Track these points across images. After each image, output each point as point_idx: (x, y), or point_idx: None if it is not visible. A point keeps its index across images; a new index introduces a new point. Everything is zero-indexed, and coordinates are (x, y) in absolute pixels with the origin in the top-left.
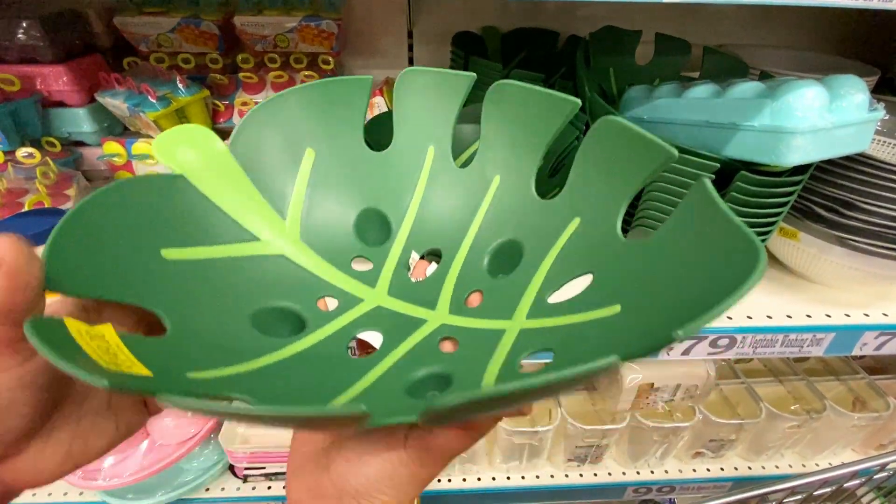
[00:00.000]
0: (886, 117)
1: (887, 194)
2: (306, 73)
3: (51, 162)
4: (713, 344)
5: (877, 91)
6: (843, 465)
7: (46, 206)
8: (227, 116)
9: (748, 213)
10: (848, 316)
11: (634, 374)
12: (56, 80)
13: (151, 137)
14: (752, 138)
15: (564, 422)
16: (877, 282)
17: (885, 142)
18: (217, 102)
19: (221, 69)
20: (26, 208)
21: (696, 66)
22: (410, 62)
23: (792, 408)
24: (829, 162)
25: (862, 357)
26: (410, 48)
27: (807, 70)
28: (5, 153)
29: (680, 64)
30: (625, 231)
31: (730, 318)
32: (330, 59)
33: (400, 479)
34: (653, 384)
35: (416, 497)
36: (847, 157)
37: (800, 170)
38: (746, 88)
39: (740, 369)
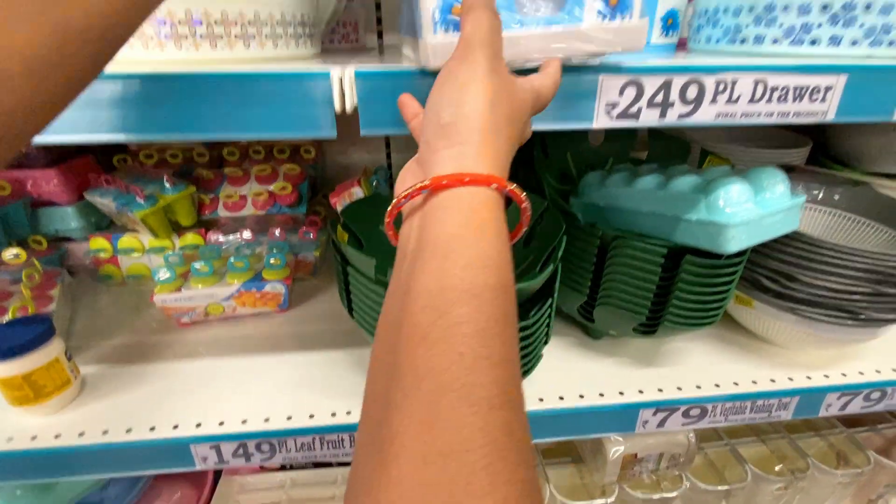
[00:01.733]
0: (820, 191)
1: (822, 266)
2: (288, 165)
3: (36, 262)
4: (686, 414)
5: (812, 159)
6: None
7: (30, 311)
8: (213, 209)
9: (699, 292)
10: (809, 378)
11: (617, 447)
12: (47, 182)
13: (137, 232)
14: (693, 228)
15: (554, 499)
16: (831, 345)
17: (821, 210)
18: (203, 196)
19: (208, 162)
20: (10, 315)
21: (643, 143)
22: (387, 146)
23: (777, 468)
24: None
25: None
26: (387, 137)
27: (745, 139)
28: None
29: (630, 145)
30: (591, 308)
31: (699, 387)
32: (311, 148)
33: (458, 84)
34: (636, 455)
35: (503, 128)
36: (784, 235)
37: (740, 251)
38: (684, 182)
39: (723, 430)
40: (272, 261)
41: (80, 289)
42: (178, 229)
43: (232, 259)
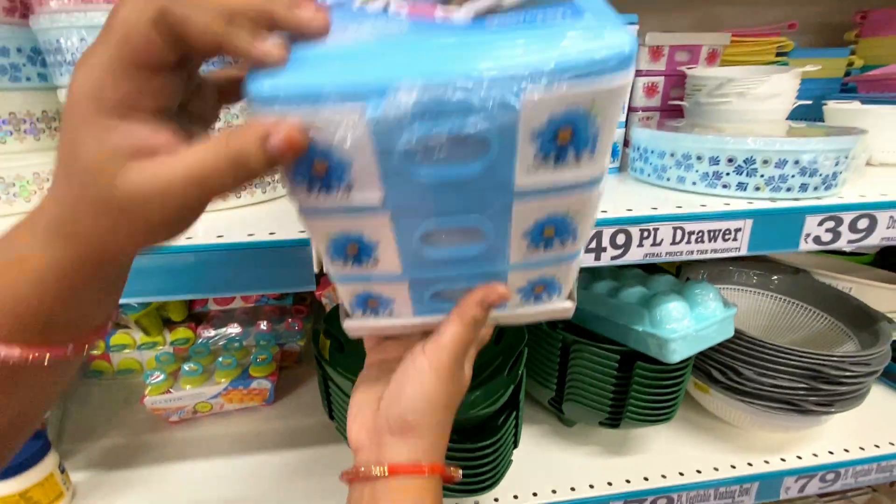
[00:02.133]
0: (761, 275)
1: (762, 363)
2: None
3: None
4: None
5: None
6: None
7: None
8: (203, 302)
9: (652, 392)
10: (767, 463)
11: None
12: None
13: (129, 329)
14: (641, 337)
15: None
16: (783, 430)
17: (766, 294)
18: None
19: None
20: None
21: None
22: None
23: None
24: None
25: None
26: None
27: None
28: None
29: None
30: (559, 403)
31: (664, 476)
32: None
33: (430, 392)
34: None
35: (450, 420)
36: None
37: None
38: (632, 294)
39: None
40: (259, 358)
41: (70, 383)
42: (169, 324)
43: (220, 358)
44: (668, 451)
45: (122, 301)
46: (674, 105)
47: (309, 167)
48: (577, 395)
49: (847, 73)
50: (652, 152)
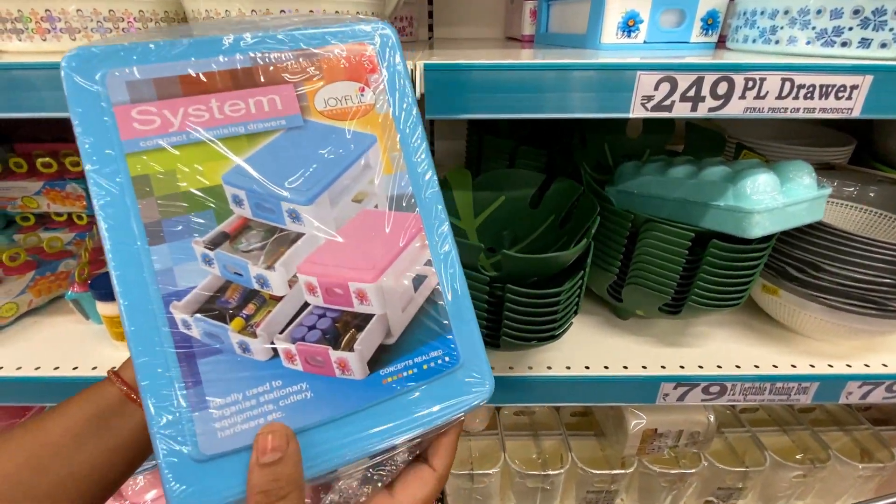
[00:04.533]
0: (855, 188)
1: (847, 258)
2: None
3: None
4: (705, 391)
5: (856, 159)
6: None
7: None
8: None
9: (722, 275)
10: (831, 367)
11: (638, 420)
12: None
13: None
14: (720, 214)
15: (575, 466)
16: (856, 335)
17: (855, 207)
18: None
19: None
20: None
21: (680, 137)
22: (431, 133)
23: (797, 457)
24: (797, 229)
25: (868, 408)
26: (431, 124)
27: (788, 137)
28: (89, 216)
29: (666, 138)
30: (620, 287)
31: (720, 366)
32: None
33: None
34: (656, 429)
35: None
36: (810, 226)
37: (765, 238)
38: (715, 172)
39: (746, 419)
40: None
41: None
42: None
43: None
44: (724, 348)
45: None
46: None
47: None
48: (640, 279)
49: None
50: (762, 13)
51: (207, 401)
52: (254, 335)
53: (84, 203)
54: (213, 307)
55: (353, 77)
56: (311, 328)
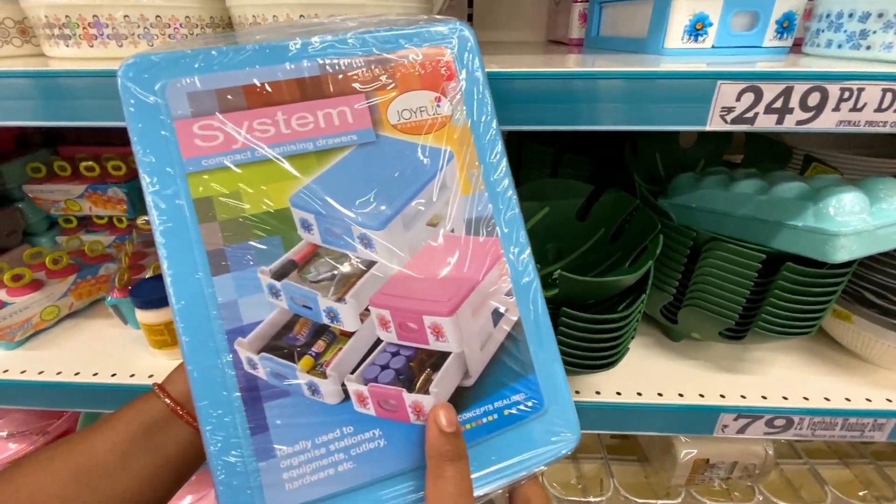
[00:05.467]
0: None
1: None
2: None
3: None
4: (769, 423)
5: None
6: None
7: None
8: None
9: (796, 300)
10: None
11: (689, 449)
12: None
13: None
14: (797, 236)
15: (617, 493)
16: None
17: None
18: None
19: None
20: (150, 272)
21: (739, 147)
22: None
23: (860, 493)
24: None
25: None
26: None
27: (856, 146)
28: (129, 220)
29: (723, 149)
30: (676, 309)
31: (785, 398)
32: None
33: None
34: (708, 460)
35: None
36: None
37: (847, 262)
38: (789, 188)
39: (802, 449)
40: None
41: None
42: None
43: None
44: (788, 377)
45: None
46: None
47: None
48: (700, 301)
49: None
50: (850, 16)
51: (275, 449)
52: (324, 375)
53: (125, 207)
54: (280, 344)
55: (429, 86)
56: (384, 367)
